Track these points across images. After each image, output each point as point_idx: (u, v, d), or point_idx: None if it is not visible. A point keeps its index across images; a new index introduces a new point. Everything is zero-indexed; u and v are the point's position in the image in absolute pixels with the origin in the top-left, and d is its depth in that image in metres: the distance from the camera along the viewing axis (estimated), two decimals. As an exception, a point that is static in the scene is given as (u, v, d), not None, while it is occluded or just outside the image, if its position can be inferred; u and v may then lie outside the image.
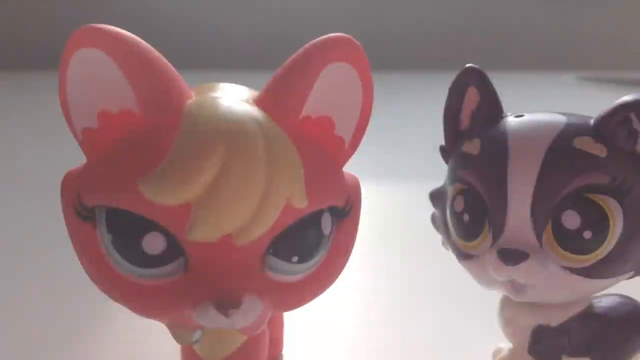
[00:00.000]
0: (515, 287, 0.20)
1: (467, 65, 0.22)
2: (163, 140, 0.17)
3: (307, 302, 0.19)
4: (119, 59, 0.17)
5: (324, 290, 0.20)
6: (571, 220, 0.19)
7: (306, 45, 0.18)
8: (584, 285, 0.20)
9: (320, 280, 0.19)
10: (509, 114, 0.22)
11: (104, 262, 0.18)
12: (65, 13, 1.00)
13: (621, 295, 0.22)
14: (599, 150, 0.19)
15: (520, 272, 0.19)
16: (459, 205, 0.21)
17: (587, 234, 0.19)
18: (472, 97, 0.22)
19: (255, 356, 0.21)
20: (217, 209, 0.16)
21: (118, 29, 0.17)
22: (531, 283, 0.19)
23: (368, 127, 0.20)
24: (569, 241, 0.19)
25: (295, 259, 0.18)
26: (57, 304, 0.33)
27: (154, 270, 0.17)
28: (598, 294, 0.22)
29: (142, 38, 0.17)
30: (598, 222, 0.19)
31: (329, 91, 0.18)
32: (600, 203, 0.19)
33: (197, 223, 0.16)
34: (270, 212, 0.17)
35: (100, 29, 0.17)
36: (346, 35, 0.18)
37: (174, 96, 0.17)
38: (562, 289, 0.20)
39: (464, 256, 0.21)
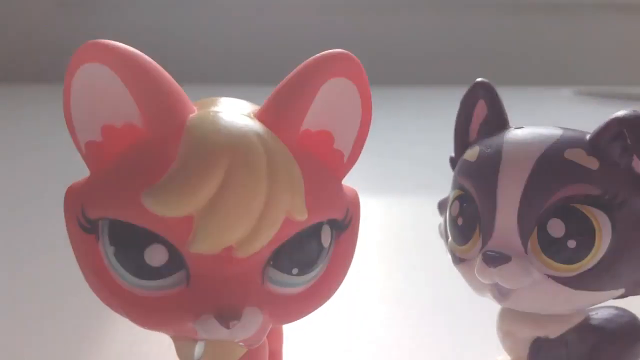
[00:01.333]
0: (500, 291, 0.20)
1: (478, 79, 0.23)
2: (165, 154, 0.17)
3: (307, 314, 0.20)
4: (122, 74, 0.17)
5: (324, 302, 0.20)
6: (556, 228, 0.19)
7: (306, 61, 0.18)
8: (569, 296, 0.20)
9: (320, 293, 0.19)
10: (513, 126, 0.22)
11: (106, 274, 0.18)
12: (70, 27, 1.01)
13: (617, 308, 0.22)
14: (591, 163, 0.19)
15: (502, 275, 0.19)
16: (455, 209, 0.21)
17: (572, 243, 0.19)
18: (481, 110, 0.23)
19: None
20: (218, 222, 0.16)
21: (122, 45, 0.17)
22: (514, 287, 0.20)
23: (367, 140, 0.20)
24: (553, 249, 0.19)
25: (295, 271, 0.18)
26: (60, 316, 0.33)
27: (155, 282, 0.17)
28: (594, 307, 0.22)
29: (145, 53, 0.17)
30: (583, 233, 0.19)
31: (329, 106, 0.19)
32: (587, 214, 0.19)
33: (199, 235, 0.16)
34: (271, 225, 0.17)
35: (104, 44, 0.17)
36: (345, 51, 0.18)
37: (177, 110, 0.18)
38: (546, 297, 0.20)
39: (458, 260, 0.22)
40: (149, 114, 0.17)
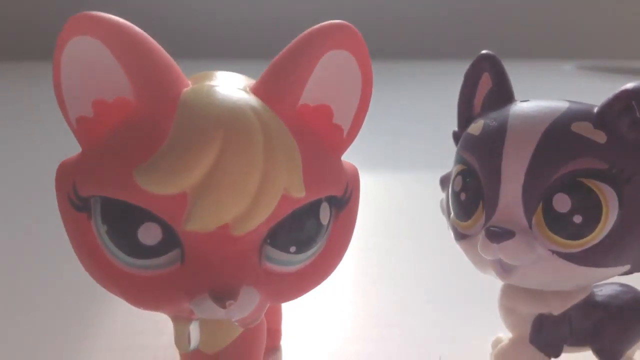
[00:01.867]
0: (503, 267, 0.20)
1: (483, 52, 0.22)
2: (159, 129, 0.16)
3: (305, 293, 0.19)
4: (114, 47, 0.16)
5: (323, 281, 0.19)
6: (562, 203, 0.19)
7: (304, 32, 0.17)
8: (574, 272, 0.19)
9: (319, 271, 0.19)
10: (518, 100, 0.22)
11: (99, 253, 0.17)
12: (62, 1, 0.99)
13: (622, 284, 0.22)
14: (598, 137, 0.19)
15: (505, 251, 0.19)
16: (458, 184, 0.21)
17: (578, 219, 0.19)
18: (485, 83, 0.22)
19: (253, 346, 0.21)
20: (213, 199, 0.16)
21: (113, 17, 0.16)
22: (517, 263, 0.19)
23: (368, 115, 0.20)
24: (558, 224, 0.19)
25: (293, 249, 0.18)
26: (55, 296, 0.33)
27: (149, 261, 0.17)
28: (598, 283, 0.22)
29: (139, 27, 0.17)
30: (590, 208, 0.19)
31: (328, 79, 0.18)
32: (594, 189, 0.18)
33: (194, 213, 0.16)
34: (268, 202, 0.16)
35: (94, 16, 0.16)
36: (345, 22, 0.18)
37: (170, 84, 0.17)
38: (550, 274, 0.20)
39: (460, 236, 0.21)
40: (141, 87, 0.17)
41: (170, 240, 0.17)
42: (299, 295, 0.19)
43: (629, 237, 0.19)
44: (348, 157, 0.20)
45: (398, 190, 0.52)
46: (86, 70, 0.17)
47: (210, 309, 0.16)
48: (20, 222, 0.44)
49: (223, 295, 0.16)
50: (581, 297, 0.21)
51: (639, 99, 0.19)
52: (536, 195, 0.19)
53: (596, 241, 0.19)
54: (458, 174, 0.21)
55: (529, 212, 0.19)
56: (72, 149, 0.18)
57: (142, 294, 0.17)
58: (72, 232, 0.18)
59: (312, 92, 0.18)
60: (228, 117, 0.16)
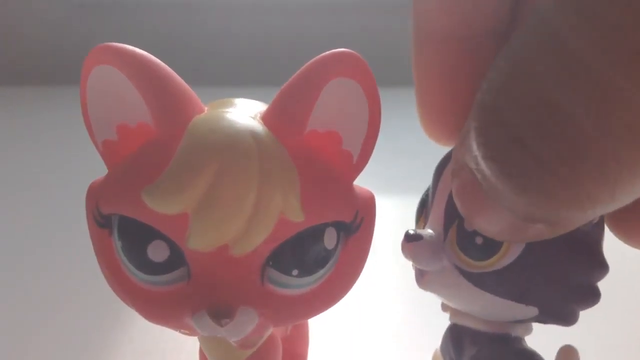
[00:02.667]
0: (418, 271, 0.21)
1: None
2: (166, 153, 0.17)
3: (311, 317, 0.20)
4: (131, 76, 0.18)
5: (330, 306, 0.20)
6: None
7: (311, 61, 0.18)
8: (471, 292, 0.19)
9: (325, 295, 0.19)
10: None
11: (118, 268, 0.19)
12: (86, 29, 1.02)
13: (535, 354, 0.21)
14: None
15: (411, 252, 0.20)
16: (423, 195, 0.22)
17: (479, 240, 0.19)
18: None
19: None
20: (210, 219, 0.16)
21: (129, 47, 0.18)
22: (422, 267, 0.20)
23: (382, 141, 0.20)
24: (464, 242, 0.19)
25: (295, 272, 0.18)
26: (80, 304, 0.34)
27: (159, 278, 0.18)
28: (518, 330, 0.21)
29: (158, 55, 0.18)
30: None
31: (334, 106, 0.18)
32: None
33: (194, 232, 0.17)
34: (264, 224, 0.17)
35: (112, 47, 0.18)
36: (350, 50, 0.18)
37: (183, 110, 0.18)
38: (451, 287, 0.20)
39: None
40: (157, 114, 0.18)
41: (177, 258, 0.17)
42: (304, 319, 0.20)
43: (530, 277, 0.19)
44: (366, 180, 0.20)
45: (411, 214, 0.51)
46: (109, 96, 0.18)
47: (208, 326, 0.17)
48: (52, 239, 0.45)
49: (220, 313, 0.17)
50: (490, 328, 0.21)
51: None
52: (454, 213, 0.19)
53: (494, 268, 0.19)
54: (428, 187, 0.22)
55: (446, 227, 0.20)
56: (100, 170, 0.19)
57: (151, 308, 0.18)
58: (96, 247, 0.19)
59: (320, 119, 0.18)
60: (227, 142, 0.17)
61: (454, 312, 0.22)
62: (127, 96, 0.18)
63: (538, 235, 0.16)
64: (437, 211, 0.20)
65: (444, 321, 0.23)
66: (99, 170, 0.19)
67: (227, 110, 0.19)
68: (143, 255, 0.18)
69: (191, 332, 0.19)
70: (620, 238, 0.19)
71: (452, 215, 0.20)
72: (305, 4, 0.99)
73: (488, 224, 0.17)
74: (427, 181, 0.22)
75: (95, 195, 0.19)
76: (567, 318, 0.19)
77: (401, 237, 0.21)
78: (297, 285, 0.18)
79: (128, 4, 1.00)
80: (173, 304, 0.18)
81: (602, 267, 0.19)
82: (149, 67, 0.18)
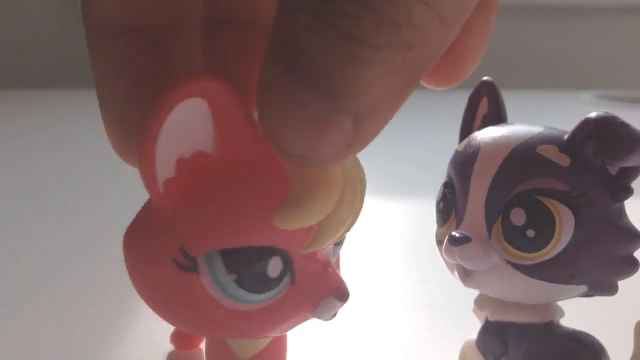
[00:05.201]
0: (464, 271, 0.21)
1: (483, 78, 0.24)
2: (277, 177, 0.17)
3: None
4: (215, 107, 0.17)
5: None
6: (518, 216, 0.20)
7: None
8: (525, 283, 0.20)
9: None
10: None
11: (213, 306, 0.18)
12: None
13: (581, 333, 0.22)
14: (562, 160, 0.20)
15: (461, 255, 0.20)
16: (439, 194, 0.23)
17: (531, 232, 0.20)
18: (483, 107, 0.24)
19: (279, 355, 0.23)
20: (331, 228, 0.18)
21: (216, 78, 0.17)
22: (473, 268, 0.21)
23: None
24: (513, 236, 0.20)
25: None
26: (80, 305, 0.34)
27: (274, 291, 0.19)
28: (559, 318, 0.22)
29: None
30: (543, 224, 0.20)
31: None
32: (550, 207, 0.19)
33: (316, 239, 0.18)
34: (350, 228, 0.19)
35: (208, 79, 0.16)
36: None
37: (253, 133, 0.18)
38: (504, 282, 0.21)
39: (437, 242, 0.23)
40: (225, 139, 0.17)
41: (287, 267, 0.19)
42: None
43: (582, 259, 0.20)
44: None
45: (419, 217, 0.52)
46: (180, 130, 0.17)
47: (333, 309, 0.19)
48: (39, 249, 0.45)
49: (345, 295, 0.19)
50: (535, 318, 0.22)
51: (594, 127, 0.19)
52: (496, 208, 0.20)
53: (548, 257, 0.20)
54: (442, 185, 0.23)
55: (489, 223, 0.20)
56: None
57: (269, 322, 0.19)
58: (175, 294, 0.18)
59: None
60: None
61: (495, 310, 0.22)
62: (192, 127, 0.17)
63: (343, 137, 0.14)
64: (475, 208, 0.21)
65: (457, 323, 0.23)
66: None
67: None
68: (263, 277, 0.18)
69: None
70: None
71: (493, 211, 0.20)
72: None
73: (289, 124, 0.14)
74: (428, 185, 0.22)
75: (172, 240, 0.18)
76: (611, 289, 0.21)
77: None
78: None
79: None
80: (290, 307, 0.19)
81: (637, 236, 0.20)
82: (231, 97, 0.17)
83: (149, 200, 0.19)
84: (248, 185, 0.18)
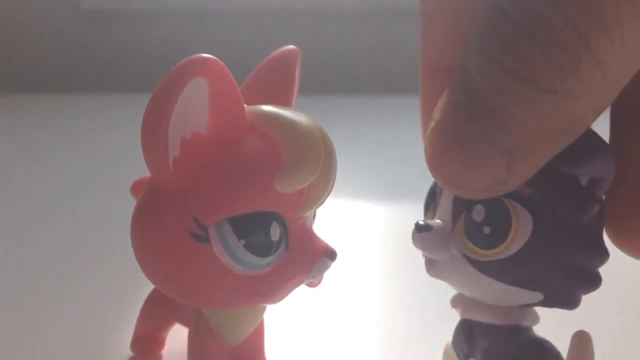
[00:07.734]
0: (428, 260, 0.22)
1: None
2: (272, 146, 0.20)
3: None
4: (217, 87, 0.19)
5: None
6: (478, 213, 0.20)
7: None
8: (478, 280, 0.20)
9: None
10: None
11: (226, 275, 0.20)
12: (93, 37, 1.02)
13: (545, 341, 0.22)
14: None
15: (423, 243, 0.21)
16: (430, 186, 0.23)
17: (487, 229, 0.19)
18: None
19: (262, 336, 0.25)
20: (320, 190, 0.20)
21: (216, 58, 0.18)
22: (432, 257, 0.21)
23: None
24: (471, 231, 0.20)
25: None
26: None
27: (276, 255, 0.20)
28: (528, 321, 0.22)
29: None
30: (499, 223, 0.19)
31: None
32: (509, 207, 0.19)
33: (307, 202, 0.20)
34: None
35: (210, 58, 0.18)
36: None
37: (242, 113, 0.20)
38: (460, 275, 0.21)
39: None
40: (220, 119, 0.19)
41: (283, 231, 0.20)
42: None
43: (536, 264, 0.19)
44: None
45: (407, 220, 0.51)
46: (186, 110, 0.18)
47: (325, 268, 0.21)
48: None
49: (334, 254, 0.21)
50: (499, 320, 0.21)
51: None
52: (462, 204, 0.20)
53: (502, 256, 0.19)
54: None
55: (454, 217, 0.21)
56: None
57: (275, 286, 0.21)
58: (189, 264, 0.20)
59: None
60: (318, 127, 0.21)
61: (464, 308, 0.22)
62: (197, 107, 0.19)
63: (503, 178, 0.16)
64: (446, 202, 0.21)
65: (443, 324, 0.23)
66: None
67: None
68: (267, 241, 0.20)
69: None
70: (621, 249, 0.19)
71: (459, 207, 0.20)
72: (312, 11, 1.00)
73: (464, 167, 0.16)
74: (425, 189, 0.22)
75: (186, 212, 0.19)
76: (570, 303, 0.20)
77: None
78: None
79: (135, 11, 1.00)
80: (289, 270, 0.21)
81: (603, 253, 0.20)
82: (228, 75, 0.19)
83: (148, 186, 0.20)
84: (247, 158, 0.19)
